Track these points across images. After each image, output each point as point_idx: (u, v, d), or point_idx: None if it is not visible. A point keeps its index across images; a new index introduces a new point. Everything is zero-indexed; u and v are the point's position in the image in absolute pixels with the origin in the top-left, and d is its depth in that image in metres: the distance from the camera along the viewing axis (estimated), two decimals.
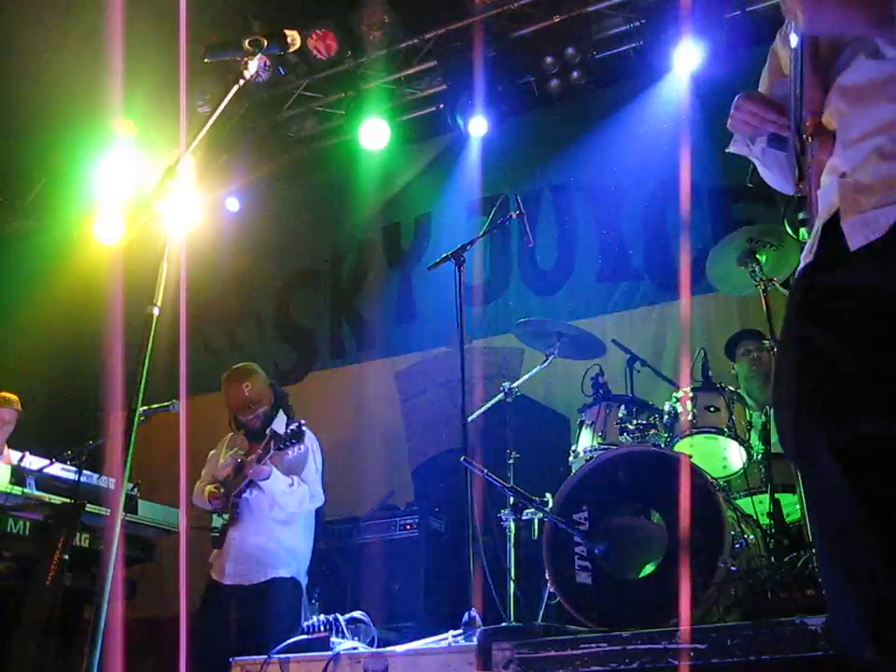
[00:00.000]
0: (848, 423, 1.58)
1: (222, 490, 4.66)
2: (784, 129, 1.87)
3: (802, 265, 1.77)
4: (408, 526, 5.23)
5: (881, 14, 1.61)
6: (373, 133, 7.01)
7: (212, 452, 5.02)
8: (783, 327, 1.76)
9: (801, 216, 1.85)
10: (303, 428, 4.46)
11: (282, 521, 4.68)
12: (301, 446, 4.50)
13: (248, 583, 4.57)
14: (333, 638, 3.68)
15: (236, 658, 3.76)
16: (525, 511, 4.17)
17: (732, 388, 4.22)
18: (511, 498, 4.13)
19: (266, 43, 2.54)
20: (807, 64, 1.79)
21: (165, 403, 4.71)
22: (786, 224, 2.12)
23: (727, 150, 2.07)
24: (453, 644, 3.48)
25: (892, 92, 1.68)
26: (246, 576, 4.58)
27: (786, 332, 1.75)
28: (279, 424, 4.78)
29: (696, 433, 4.06)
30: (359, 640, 3.82)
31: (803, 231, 1.85)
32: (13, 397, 5.27)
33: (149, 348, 2.24)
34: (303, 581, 4.73)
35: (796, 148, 1.80)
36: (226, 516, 4.67)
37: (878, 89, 1.70)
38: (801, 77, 1.78)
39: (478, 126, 6.81)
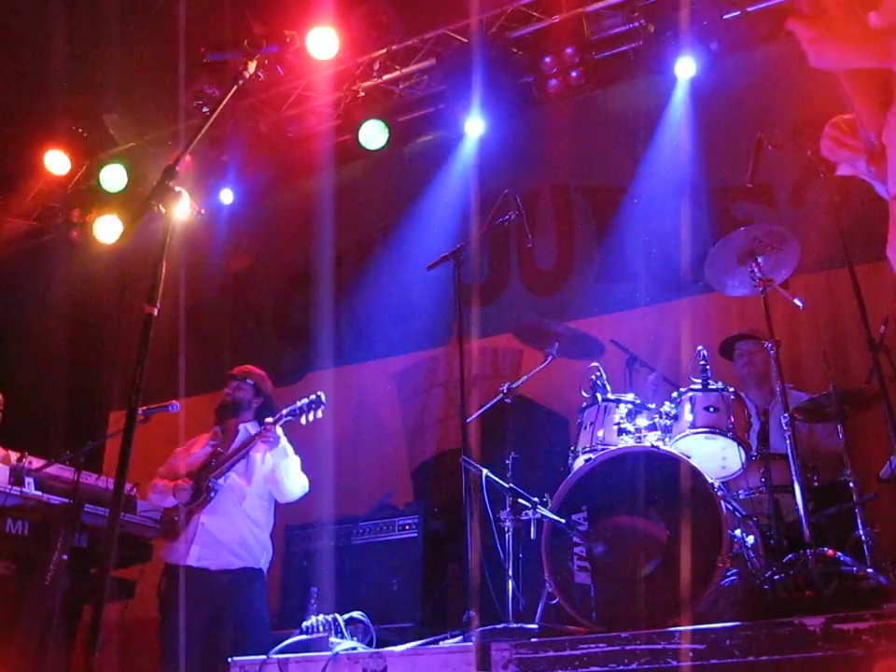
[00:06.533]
0: None
1: (191, 483, 4.68)
2: (859, 153, 1.90)
3: None
4: (407, 527, 5.22)
5: (879, 50, 1.65)
6: (372, 133, 7.01)
7: (178, 449, 5.05)
8: None
9: None
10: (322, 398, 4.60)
11: (254, 512, 4.74)
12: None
13: (216, 568, 4.57)
14: (332, 639, 3.68)
15: (235, 658, 3.76)
16: (525, 512, 4.16)
17: (731, 388, 4.22)
18: (511, 499, 4.13)
19: (265, 43, 2.54)
20: (849, 87, 1.83)
21: (165, 403, 4.72)
22: None
23: (837, 174, 2.08)
24: (452, 644, 3.48)
25: None
26: (214, 560, 4.58)
27: None
28: (252, 426, 4.92)
29: (695, 433, 4.06)
30: (358, 640, 3.82)
31: None
32: None
33: (148, 348, 2.24)
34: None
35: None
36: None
37: None
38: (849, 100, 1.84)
39: (477, 126, 6.82)
